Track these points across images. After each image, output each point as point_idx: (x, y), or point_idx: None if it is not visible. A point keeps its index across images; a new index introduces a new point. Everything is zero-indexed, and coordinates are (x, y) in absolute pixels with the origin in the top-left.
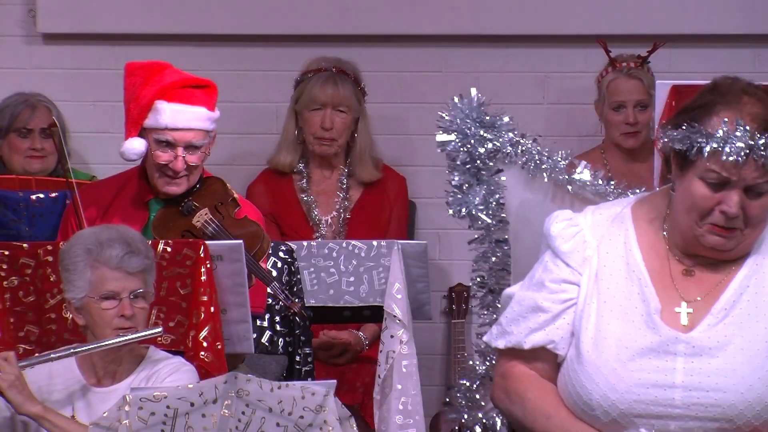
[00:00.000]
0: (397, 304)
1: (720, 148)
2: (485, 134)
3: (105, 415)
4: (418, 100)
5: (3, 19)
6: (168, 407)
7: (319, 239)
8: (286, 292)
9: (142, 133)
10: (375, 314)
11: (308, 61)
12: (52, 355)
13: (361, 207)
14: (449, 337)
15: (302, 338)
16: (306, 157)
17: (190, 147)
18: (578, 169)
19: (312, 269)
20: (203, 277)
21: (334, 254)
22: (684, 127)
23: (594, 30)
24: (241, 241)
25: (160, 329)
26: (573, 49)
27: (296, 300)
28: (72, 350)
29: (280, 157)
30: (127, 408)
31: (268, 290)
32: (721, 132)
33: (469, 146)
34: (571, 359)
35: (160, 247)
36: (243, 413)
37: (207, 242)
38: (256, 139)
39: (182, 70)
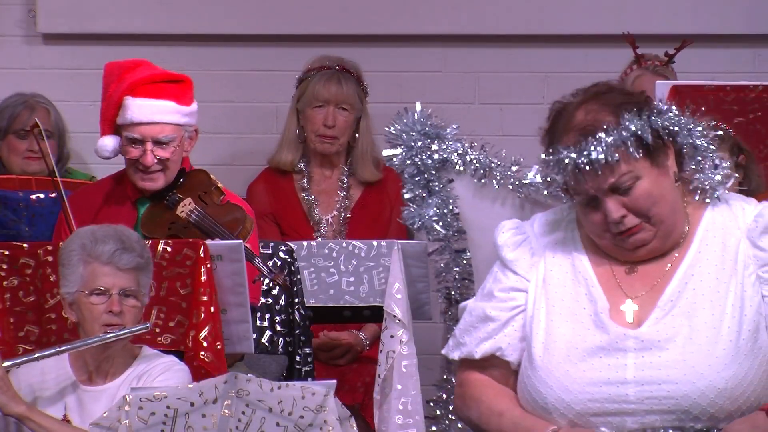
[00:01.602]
0: (397, 304)
1: (560, 178)
2: (431, 145)
3: (105, 415)
4: (418, 100)
5: (3, 19)
6: (168, 407)
7: (320, 239)
8: (269, 265)
9: (119, 130)
10: (375, 314)
11: (312, 59)
12: (38, 355)
13: (361, 206)
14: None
15: (302, 338)
16: (307, 156)
17: (158, 142)
18: (530, 173)
19: (312, 269)
20: (203, 277)
21: (334, 254)
22: (541, 169)
23: (594, 30)
24: (241, 241)
25: (147, 326)
26: (573, 49)
27: (279, 272)
28: (58, 349)
29: (281, 155)
30: (127, 408)
31: (255, 263)
32: (553, 160)
33: (415, 158)
34: (524, 365)
35: (160, 247)
36: (243, 413)
37: (207, 242)
38: (256, 139)
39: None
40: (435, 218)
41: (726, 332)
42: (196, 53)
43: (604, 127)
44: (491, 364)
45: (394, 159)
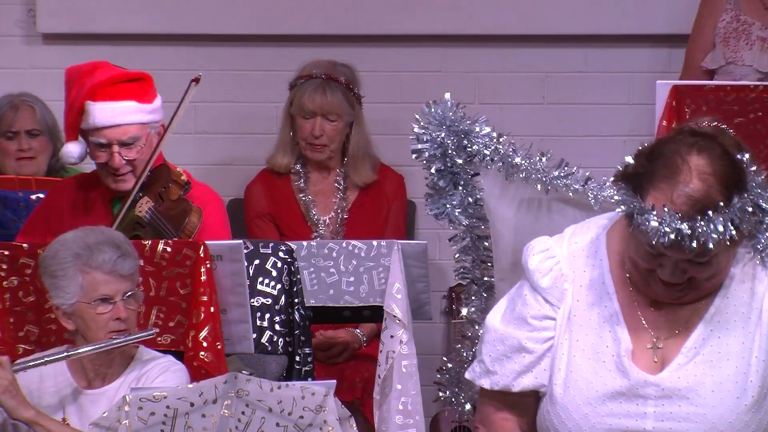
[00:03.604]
0: (397, 304)
1: (648, 232)
2: (460, 141)
3: (105, 415)
4: (418, 100)
5: (3, 19)
6: (168, 407)
7: (318, 239)
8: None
9: (85, 135)
10: (375, 314)
11: (302, 65)
12: (46, 359)
13: (358, 207)
14: (449, 337)
15: (302, 338)
16: (303, 158)
17: (123, 143)
18: (554, 173)
19: (312, 269)
20: (203, 277)
21: (334, 254)
22: (624, 192)
23: (594, 30)
24: (240, 241)
25: (152, 332)
26: (573, 49)
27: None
28: (66, 353)
29: (277, 158)
30: (126, 408)
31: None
32: (651, 215)
33: (443, 153)
34: (545, 399)
35: (160, 247)
36: (243, 413)
37: (207, 242)
38: (255, 140)
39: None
40: (459, 209)
41: (750, 387)
42: (195, 53)
43: (719, 205)
44: (523, 401)
45: (424, 152)
